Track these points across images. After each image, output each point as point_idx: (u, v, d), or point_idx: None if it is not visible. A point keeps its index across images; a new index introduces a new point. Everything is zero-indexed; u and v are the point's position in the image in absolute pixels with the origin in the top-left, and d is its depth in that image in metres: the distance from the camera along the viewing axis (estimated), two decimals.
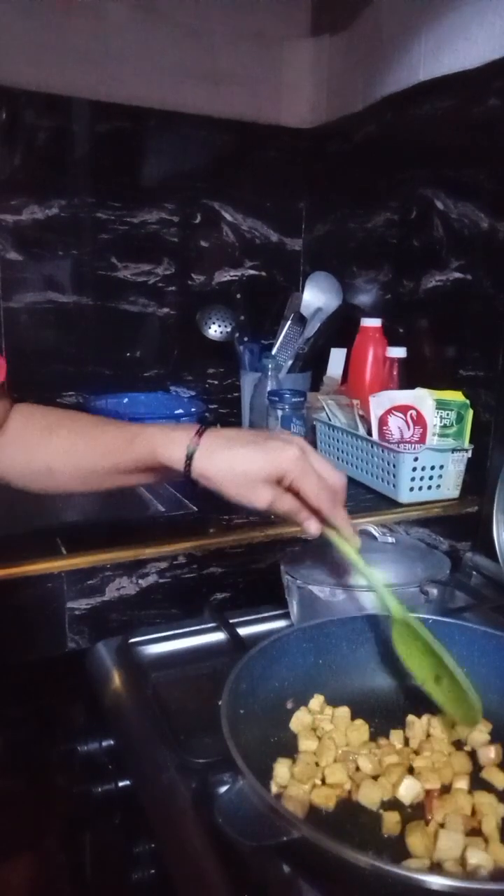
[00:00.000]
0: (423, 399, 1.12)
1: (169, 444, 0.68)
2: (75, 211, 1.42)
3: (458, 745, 0.67)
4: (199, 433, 0.68)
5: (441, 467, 1.12)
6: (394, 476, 1.12)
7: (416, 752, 0.66)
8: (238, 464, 0.66)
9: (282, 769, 0.61)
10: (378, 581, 0.72)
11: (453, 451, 1.12)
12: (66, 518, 1.23)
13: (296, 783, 0.60)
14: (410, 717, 0.69)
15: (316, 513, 0.69)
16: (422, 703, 0.72)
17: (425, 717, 0.69)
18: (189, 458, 0.67)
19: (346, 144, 1.48)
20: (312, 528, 0.70)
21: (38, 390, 1.45)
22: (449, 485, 1.14)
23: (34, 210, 1.39)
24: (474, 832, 0.56)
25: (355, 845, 0.48)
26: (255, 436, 0.69)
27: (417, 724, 0.68)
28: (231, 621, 0.90)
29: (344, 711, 0.70)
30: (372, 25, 1.36)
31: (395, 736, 0.68)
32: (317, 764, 0.63)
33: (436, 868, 0.53)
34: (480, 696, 0.66)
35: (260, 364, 1.40)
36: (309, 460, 0.67)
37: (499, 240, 1.09)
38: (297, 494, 0.68)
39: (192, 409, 1.42)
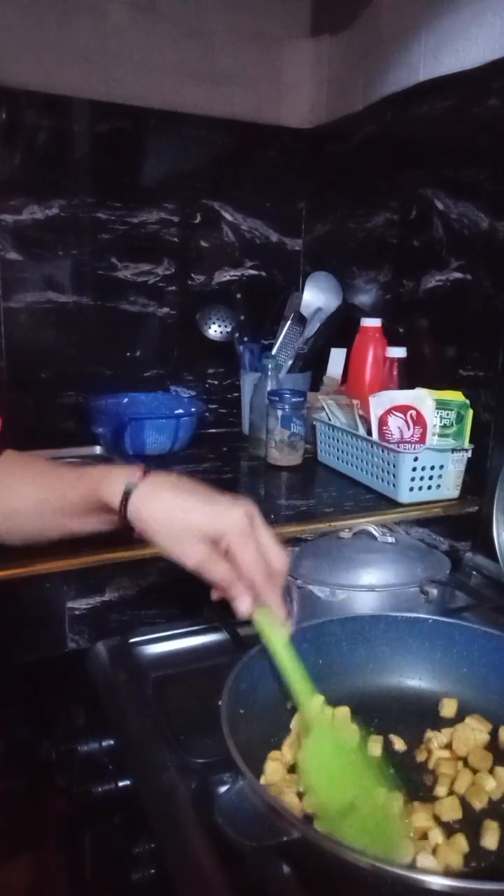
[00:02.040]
0: (423, 399, 1.12)
1: (110, 480, 0.64)
2: (75, 211, 1.42)
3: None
4: (144, 472, 0.64)
5: (441, 467, 1.12)
6: (394, 476, 1.12)
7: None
8: (176, 512, 0.62)
9: (272, 764, 0.61)
10: (299, 678, 0.64)
11: (453, 451, 1.12)
12: None
13: (289, 785, 0.60)
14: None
15: (249, 589, 0.63)
16: (421, 704, 0.72)
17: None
18: (126, 495, 0.63)
19: (346, 144, 1.48)
20: (242, 606, 0.63)
21: (38, 390, 1.46)
22: (449, 485, 1.14)
23: (34, 210, 1.39)
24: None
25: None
26: (203, 489, 0.65)
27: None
28: (231, 621, 0.89)
29: (344, 711, 0.69)
30: (372, 25, 1.36)
31: (397, 742, 0.68)
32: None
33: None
34: (480, 693, 0.66)
35: (260, 364, 1.40)
36: (254, 528, 0.62)
37: (499, 240, 1.09)
38: (233, 564, 0.62)
39: (192, 409, 1.42)
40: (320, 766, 0.59)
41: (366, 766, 0.60)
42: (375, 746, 0.66)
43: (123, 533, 0.66)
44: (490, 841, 0.56)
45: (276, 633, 0.65)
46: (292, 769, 0.63)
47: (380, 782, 0.58)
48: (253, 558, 0.62)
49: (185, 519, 0.62)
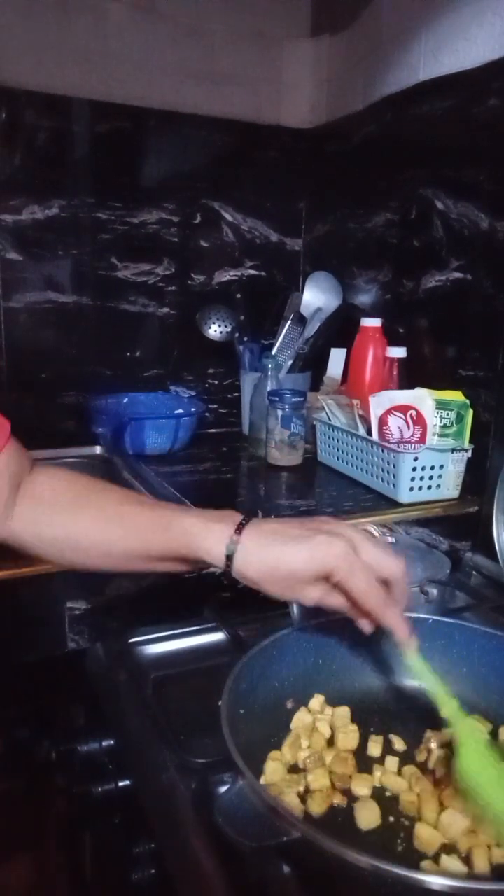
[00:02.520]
0: (423, 399, 1.12)
1: (208, 537, 0.63)
2: (75, 211, 1.42)
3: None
4: (239, 529, 0.63)
5: (441, 467, 1.12)
6: (394, 476, 1.12)
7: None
8: (282, 564, 0.61)
9: (272, 764, 0.61)
10: (439, 691, 0.64)
11: (453, 451, 1.12)
12: None
13: (289, 785, 0.60)
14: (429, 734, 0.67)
15: (368, 615, 0.63)
16: (421, 704, 0.72)
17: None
18: (229, 557, 0.62)
19: (346, 144, 1.48)
20: (366, 628, 0.64)
21: (38, 390, 1.46)
22: (449, 485, 1.14)
23: (34, 210, 1.39)
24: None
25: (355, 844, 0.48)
26: (299, 529, 0.63)
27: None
28: (231, 621, 0.90)
29: (344, 711, 0.69)
30: (372, 25, 1.36)
31: (397, 741, 0.68)
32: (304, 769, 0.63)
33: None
34: (480, 693, 0.66)
35: (260, 364, 1.40)
36: (359, 555, 0.61)
37: (499, 240, 1.09)
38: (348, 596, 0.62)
39: (192, 409, 1.42)
40: (480, 773, 0.58)
41: None
42: (375, 746, 0.66)
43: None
44: None
45: (406, 651, 0.65)
46: (292, 769, 0.63)
47: None
48: (364, 587, 0.61)
49: (293, 570, 0.61)
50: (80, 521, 0.68)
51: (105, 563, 0.69)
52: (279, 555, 0.62)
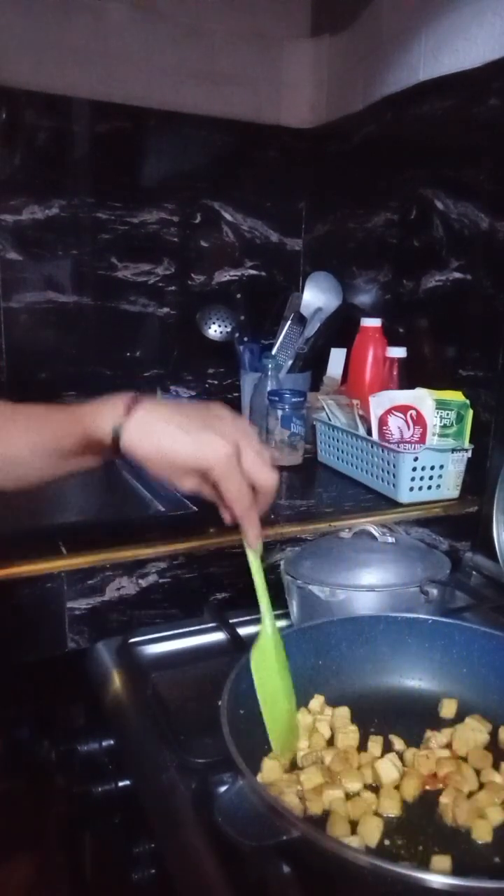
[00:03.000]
0: (423, 399, 1.12)
1: (98, 420, 0.65)
2: (75, 211, 1.42)
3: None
4: (128, 409, 0.65)
5: (441, 467, 1.12)
6: (394, 476, 1.12)
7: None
8: (165, 451, 0.63)
9: (269, 762, 0.62)
10: (264, 591, 0.69)
11: (453, 451, 1.12)
12: (66, 518, 1.24)
13: (289, 785, 0.60)
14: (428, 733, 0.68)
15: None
16: (421, 704, 0.72)
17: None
18: (116, 433, 0.64)
19: (346, 144, 1.48)
20: (225, 517, 0.67)
21: (38, 390, 1.46)
22: (449, 485, 1.14)
23: (34, 210, 1.39)
24: None
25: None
26: (193, 418, 0.65)
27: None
28: (231, 621, 0.90)
29: (344, 711, 0.69)
30: (372, 25, 1.36)
31: (396, 742, 0.68)
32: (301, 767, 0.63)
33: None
34: (480, 693, 0.66)
35: (260, 364, 1.40)
36: (241, 460, 0.63)
37: (499, 240, 1.09)
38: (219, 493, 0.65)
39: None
40: (264, 664, 0.66)
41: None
42: (375, 746, 0.66)
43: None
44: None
45: (250, 554, 0.68)
46: (291, 768, 0.63)
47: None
48: (235, 490, 0.63)
49: (174, 458, 0.63)
50: (13, 433, 0.69)
51: (32, 473, 0.70)
52: (164, 441, 0.63)
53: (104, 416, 0.65)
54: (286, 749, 0.64)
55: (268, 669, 0.67)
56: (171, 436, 0.63)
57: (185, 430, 0.63)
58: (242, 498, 0.64)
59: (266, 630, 0.68)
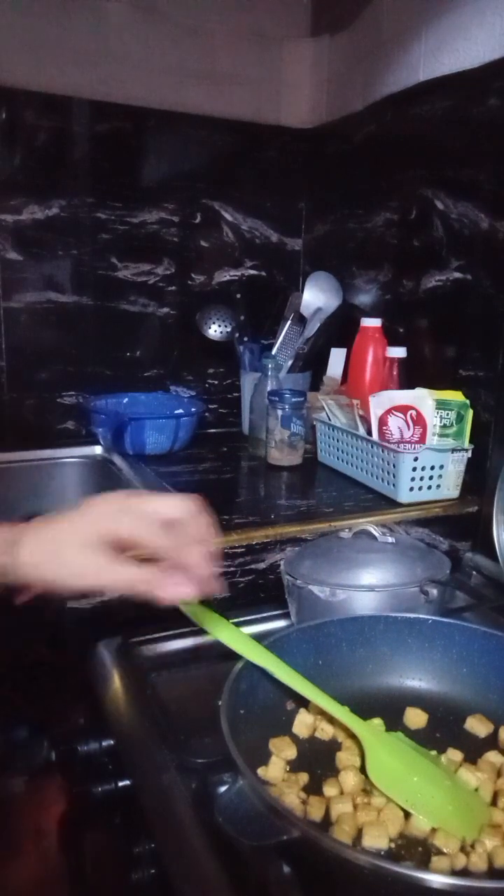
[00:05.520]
0: (423, 399, 1.12)
1: None
2: (75, 211, 1.42)
3: None
4: (14, 531, 0.56)
5: (441, 467, 1.12)
6: (394, 476, 1.12)
7: None
8: (62, 539, 0.55)
9: (276, 757, 0.61)
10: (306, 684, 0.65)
11: (453, 451, 1.12)
12: None
13: (289, 786, 0.60)
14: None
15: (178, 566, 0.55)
16: (422, 704, 0.72)
17: None
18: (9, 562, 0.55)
19: (346, 144, 1.48)
20: (183, 591, 0.55)
21: (38, 390, 1.46)
22: (449, 485, 1.14)
23: (34, 210, 1.39)
24: None
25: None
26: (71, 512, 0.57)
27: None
28: (231, 621, 0.89)
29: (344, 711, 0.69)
30: (372, 25, 1.36)
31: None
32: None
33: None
34: (480, 693, 0.66)
35: (260, 364, 1.40)
36: (138, 506, 0.56)
37: (499, 240, 1.09)
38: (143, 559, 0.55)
39: (192, 409, 1.42)
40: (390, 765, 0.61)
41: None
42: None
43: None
44: None
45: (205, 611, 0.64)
46: (291, 767, 0.63)
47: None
48: (146, 533, 0.55)
49: (61, 534, 0.55)
50: None
51: None
52: (56, 533, 0.56)
53: None
54: (473, 827, 0.56)
55: (402, 770, 0.61)
56: (60, 525, 0.56)
57: (70, 517, 0.56)
58: (159, 535, 0.54)
59: (363, 734, 0.63)
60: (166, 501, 0.57)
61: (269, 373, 1.36)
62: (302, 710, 0.69)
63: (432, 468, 1.12)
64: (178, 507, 0.57)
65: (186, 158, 1.51)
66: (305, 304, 1.49)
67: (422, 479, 1.12)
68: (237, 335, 1.53)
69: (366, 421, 1.18)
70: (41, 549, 0.55)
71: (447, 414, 1.12)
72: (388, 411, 1.12)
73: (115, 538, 0.54)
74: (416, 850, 0.55)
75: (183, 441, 1.38)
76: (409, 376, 1.22)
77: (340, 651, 0.74)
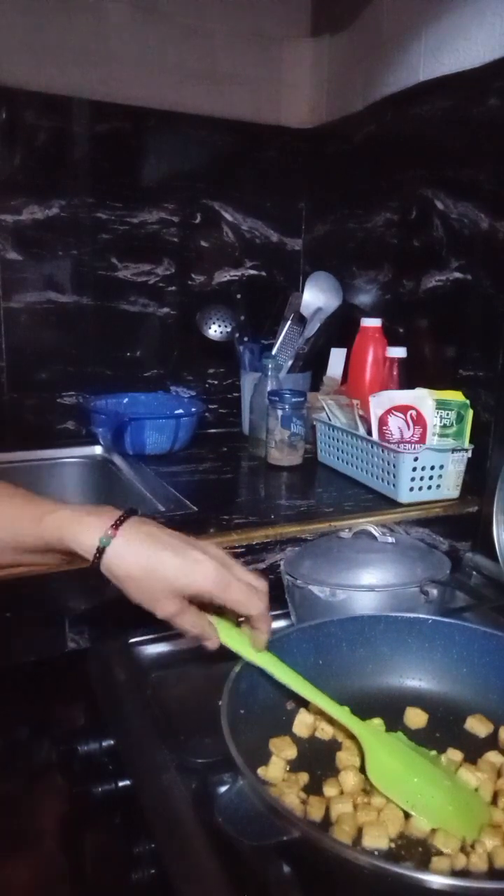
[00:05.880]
0: (423, 399, 1.12)
1: (81, 530, 0.61)
2: (75, 211, 1.42)
3: None
4: (116, 525, 0.61)
5: (441, 467, 1.12)
6: (394, 476, 1.12)
7: None
8: (154, 567, 0.61)
9: (276, 757, 0.61)
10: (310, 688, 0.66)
11: (453, 451, 1.12)
12: None
13: (289, 786, 0.60)
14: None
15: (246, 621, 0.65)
16: (422, 704, 0.72)
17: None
18: (100, 551, 0.61)
19: (346, 144, 1.48)
20: (212, 645, 0.65)
21: (38, 390, 1.46)
22: (449, 485, 1.14)
23: (34, 210, 1.39)
24: None
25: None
26: (177, 539, 0.63)
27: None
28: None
29: (344, 711, 0.69)
30: (372, 25, 1.36)
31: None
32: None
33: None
34: (480, 693, 0.66)
35: (260, 364, 1.40)
36: (230, 570, 0.63)
37: (499, 240, 1.09)
38: (218, 609, 0.64)
39: (192, 409, 1.42)
40: (389, 765, 0.62)
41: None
42: None
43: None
44: None
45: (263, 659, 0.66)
46: (291, 767, 0.63)
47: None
48: (243, 596, 0.63)
49: (161, 574, 0.61)
50: None
51: None
52: (153, 558, 0.61)
53: (89, 529, 0.61)
54: (473, 827, 0.57)
55: (402, 771, 0.61)
56: (160, 553, 0.61)
57: (173, 549, 0.62)
58: (252, 598, 0.63)
59: (363, 735, 0.64)
60: (253, 577, 0.65)
61: (269, 373, 1.36)
62: (302, 710, 0.69)
63: (432, 468, 1.12)
64: (260, 582, 0.66)
65: (186, 158, 1.51)
66: (305, 304, 1.49)
67: (422, 479, 1.12)
68: (237, 335, 1.53)
69: (366, 421, 1.18)
70: (138, 581, 0.62)
71: (447, 414, 1.12)
72: (388, 411, 1.12)
73: (197, 598, 0.63)
74: (416, 850, 0.55)
75: (183, 441, 1.38)
76: (409, 376, 1.22)
77: (340, 651, 0.74)
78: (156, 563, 0.61)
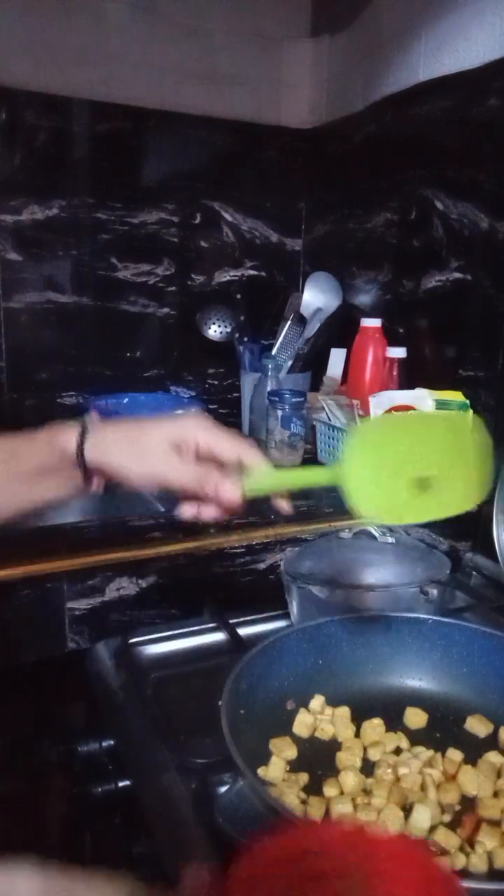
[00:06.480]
0: (422, 399, 1.12)
1: (63, 428, 0.65)
2: (75, 211, 1.42)
3: None
4: (93, 420, 0.64)
5: None
6: None
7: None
8: (141, 435, 0.63)
9: (276, 757, 0.61)
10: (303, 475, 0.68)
11: None
12: (66, 518, 1.23)
13: (290, 786, 0.60)
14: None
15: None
16: (422, 704, 0.72)
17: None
18: (82, 435, 0.63)
19: (346, 144, 1.48)
20: (229, 495, 0.65)
21: (38, 390, 1.46)
22: None
23: (34, 210, 1.39)
24: None
25: None
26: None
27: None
28: (231, 621, 0.90)
29: (344, 711, 0.70)
30: (372, 25, 1.36)
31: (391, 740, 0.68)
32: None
33: None
34: (480, 693, 0.66)
35: (260, 364, 1.40)
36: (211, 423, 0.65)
37: (499, 240, 1.09)
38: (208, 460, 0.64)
39: (192, 410, 1.42)
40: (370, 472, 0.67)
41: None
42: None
43: (85, 494, 0.66)
44: None
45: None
46: (291, 768, 0.63)
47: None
48: (229, 435, 0.65)
49: (149, 437, 0.63)
50: None
51: None
52: (138, 429, 0.64)
53: (71, 424, 0.65)
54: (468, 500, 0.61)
55: (389, 485, 0.67)
56: (141, 424, 0.64)
57: (152, 421, 0.65)
58: (236, 437, 0.66)
59: (334, 474, 0.70)
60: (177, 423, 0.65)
61: (269, 373, 1.36)
62: (302, 710, 0.69)
63: None
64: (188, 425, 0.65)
65: (186, 158, 1.51)
66: (305, 304, 1.49)
67: None
68: (237, 335, 1.53)
69: None
70: (129, 447, 0.63)
71: None
72: (388, 412, 1.12)
73: (190, 446, 0.63)
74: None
75: None
76: (409, 376, 1.22)
77: (340, 651, 0.74)
78: (142, 431, 0.64)
